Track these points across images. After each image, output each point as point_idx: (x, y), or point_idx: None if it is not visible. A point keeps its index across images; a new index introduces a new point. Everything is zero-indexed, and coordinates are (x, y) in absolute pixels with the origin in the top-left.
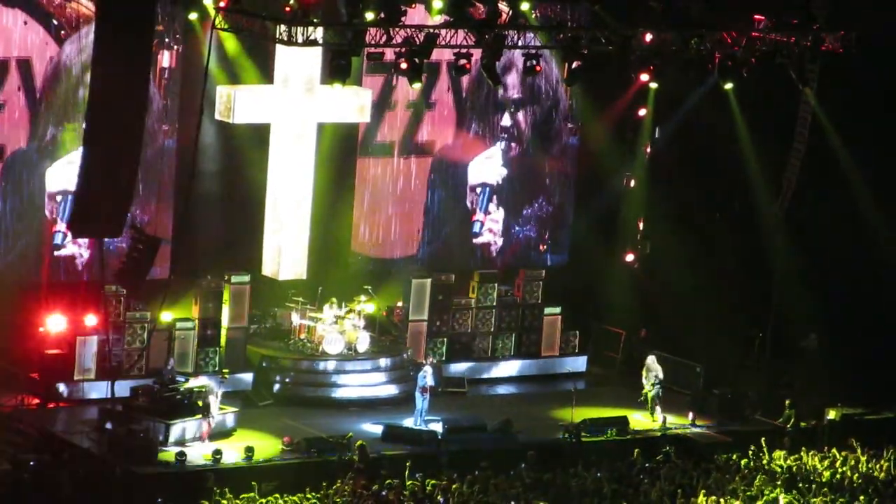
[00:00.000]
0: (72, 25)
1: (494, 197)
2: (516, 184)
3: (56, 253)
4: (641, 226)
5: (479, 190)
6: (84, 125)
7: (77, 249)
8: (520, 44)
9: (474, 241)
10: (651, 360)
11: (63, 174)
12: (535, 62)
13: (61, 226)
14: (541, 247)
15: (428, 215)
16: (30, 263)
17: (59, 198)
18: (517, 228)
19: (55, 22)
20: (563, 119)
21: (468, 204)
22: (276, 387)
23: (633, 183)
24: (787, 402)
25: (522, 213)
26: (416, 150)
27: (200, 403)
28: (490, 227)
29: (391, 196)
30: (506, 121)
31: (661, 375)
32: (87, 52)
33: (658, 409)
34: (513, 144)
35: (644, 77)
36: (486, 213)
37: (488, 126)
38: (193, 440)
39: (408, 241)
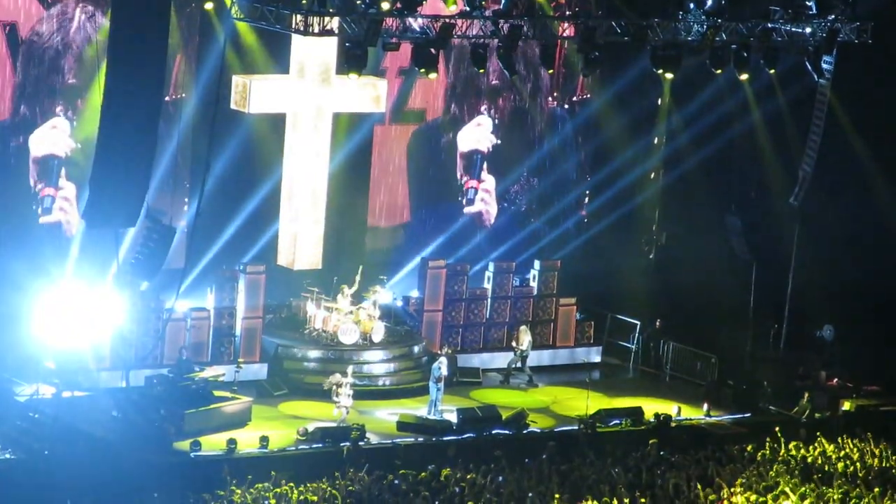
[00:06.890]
0: None
1: (486, 164)
2: (506, 153)
3: (42, 220)
4: (657, 216)
5: (471, 157)
6: (99, 115)
7: (63, 216)
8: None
9: (467, 208)
10: (523, 328)
11: (47, 138)
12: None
13: (49, 191)
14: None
15: (417, 183)
16: (22, 234)
17: (43, 162)
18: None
19: None
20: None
21: (458, 172)
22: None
23: (650, 174)
24: (806, 394)
25: (511, 188)
26: (408, 118)
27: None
28: (482, 196)
29: (377, 163)
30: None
31: (525, 347)
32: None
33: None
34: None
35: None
36: (479, 180)
37: (479, 94)
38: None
39: (399, 210)
